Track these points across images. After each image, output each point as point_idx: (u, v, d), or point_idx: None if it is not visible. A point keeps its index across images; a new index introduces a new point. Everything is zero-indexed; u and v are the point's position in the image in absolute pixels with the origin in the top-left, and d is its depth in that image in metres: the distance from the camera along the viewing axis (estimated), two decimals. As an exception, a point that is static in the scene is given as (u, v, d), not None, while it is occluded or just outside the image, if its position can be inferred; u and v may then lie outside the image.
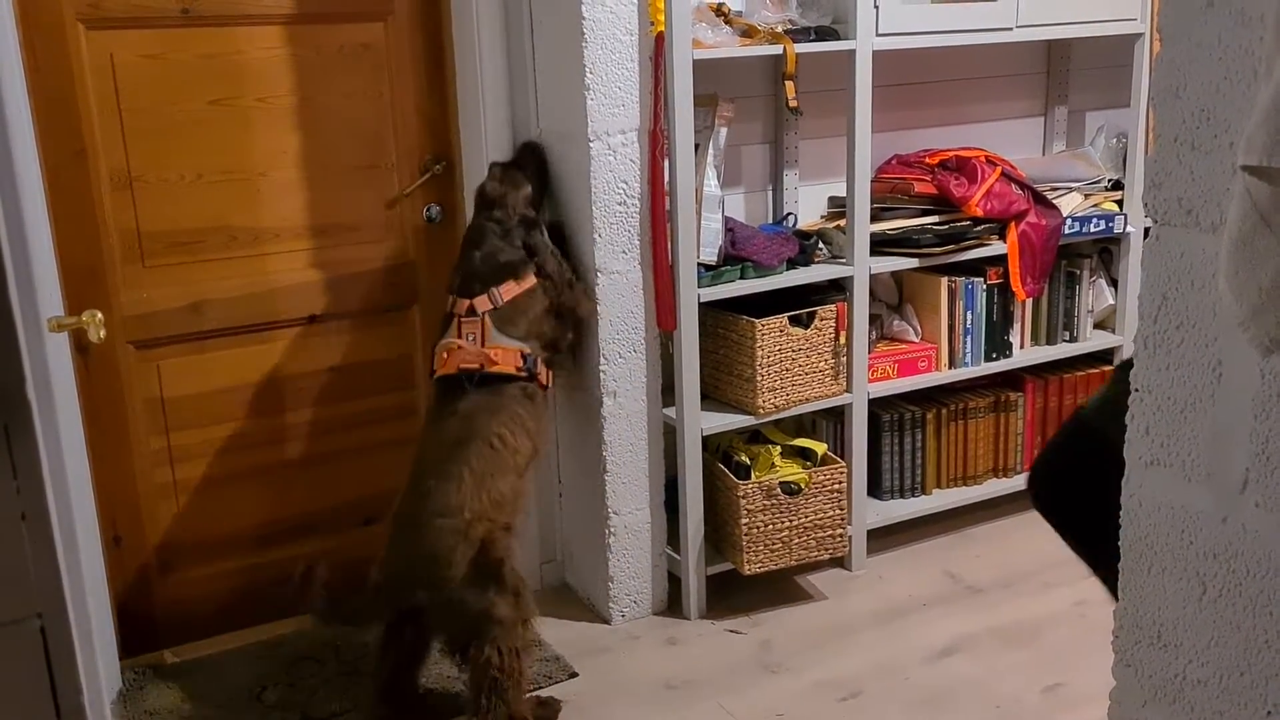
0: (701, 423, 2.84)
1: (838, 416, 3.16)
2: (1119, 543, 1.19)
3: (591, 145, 2.59)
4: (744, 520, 2.82)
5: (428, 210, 2.96)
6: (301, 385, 2.91)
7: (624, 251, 2.70)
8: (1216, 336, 1.04)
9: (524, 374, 2.46)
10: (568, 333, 2.66)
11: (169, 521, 2.82)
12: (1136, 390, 1.14)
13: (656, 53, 2.59)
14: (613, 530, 2.85)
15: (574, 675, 2.67)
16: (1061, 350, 3.41)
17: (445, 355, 2.48)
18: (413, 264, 2.98)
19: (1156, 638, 1.16)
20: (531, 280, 2.54)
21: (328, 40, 2.76)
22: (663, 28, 2.56)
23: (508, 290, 2.50)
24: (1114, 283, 3.48)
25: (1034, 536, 2.70)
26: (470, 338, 2.46)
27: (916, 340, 3.27)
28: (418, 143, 2.92)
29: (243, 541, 2.91)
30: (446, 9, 2.83)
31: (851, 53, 2.83)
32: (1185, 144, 1.05)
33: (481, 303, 2.49)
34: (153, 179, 2.64)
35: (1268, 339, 0.94)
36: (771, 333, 2.85)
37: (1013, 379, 3.40)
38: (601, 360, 2.73)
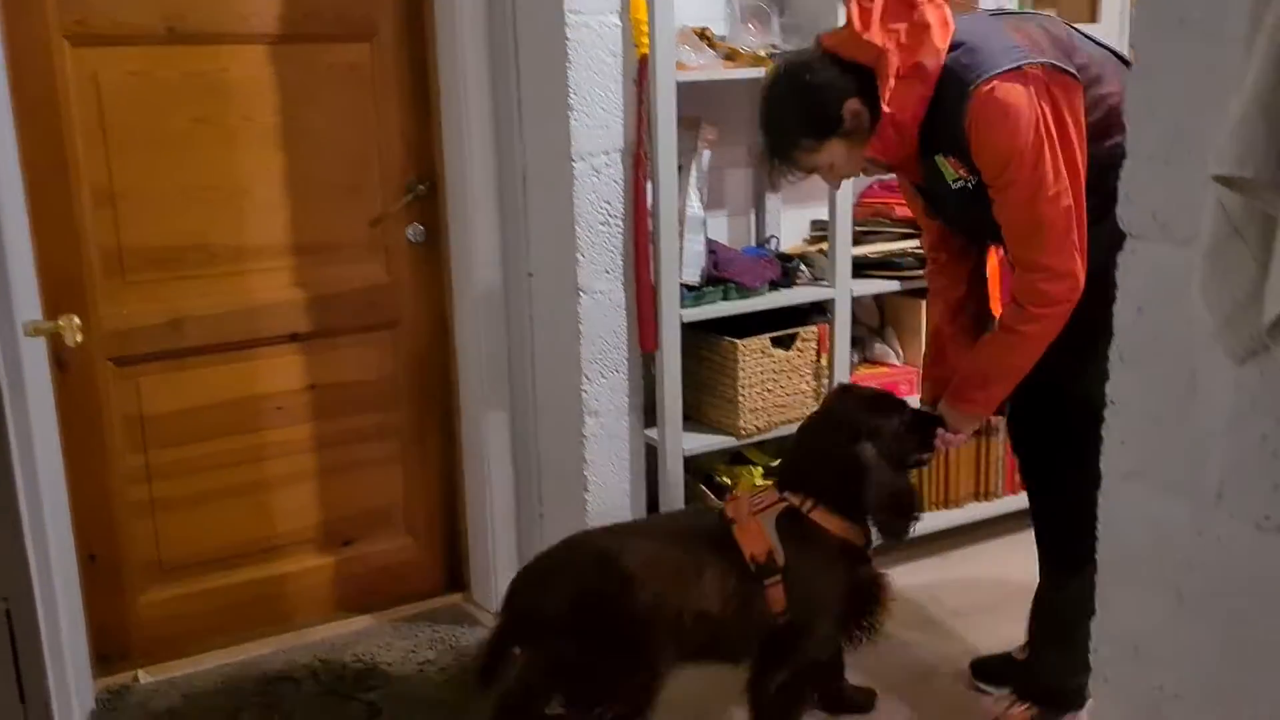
0: (683, 443, 2.84)
1: (819, 439, 3.16)
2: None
3: (575, 165, 2.60)
4: (725, 541, 2.81)
5: (411, 231, 2.96)
6: (281, 404, 2.89)
7: (606, 271, 2.70)
8: (1191, 348, 1.05)
9: None
10: None
11: (145, 539, 2.79)
12: (1112, 403, 1.15)
13: (640, 75, 2.61)
14: (593, 551, 2.83)
15: (553, 697, 2.65)
16: (1041, 374, 3.42)
17: None
18: (395, 285, 2.98)
19: (1134, 652, 1.16)
20: None
21: (313, 60, 2.77)
22: (646, 50, 2.58)
23: None
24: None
25: (1016, 560, 2.71)
26: None
27: (898, 364, 3.28)
28: (401, 163, 2.92)
29: (219, 561, 2.88)
30: (431, 30, 2.85)
31: (833, 77, 2.85)
32: (1159, 159, 1.06)
33: None
34: (135, 195, 2.63)
35: (1241, 349, 0.96)
36: (753, 354, 2.86)
37: (993, 403, 3.41)
38: (583, 380, 2.73)
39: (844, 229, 2.96)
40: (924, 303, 3.20)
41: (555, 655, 2.22)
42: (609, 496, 2.83)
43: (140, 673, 2.79)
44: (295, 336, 2.88)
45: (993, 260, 3.22)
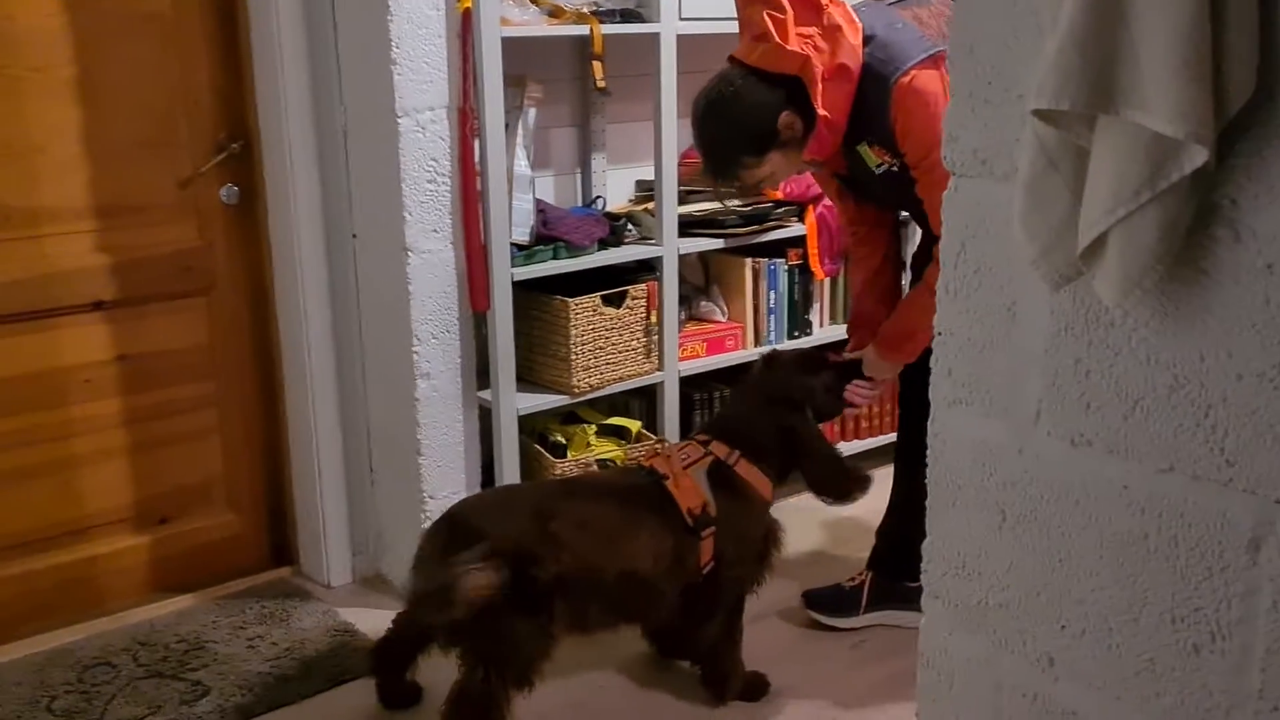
0: (517, 403, 2.83)
1: (649, 396, 3.21)
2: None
3: (400, 122, 2.54)
4: (561, 500, 2.83)
5: (224, 192, 2.83)
6: (87, 376, 2.73)
7: (435, 231, 2.66)
8: (1011, 279, 1.12)
9: None
10: None
11: (-61, 526, 2.59)
12: (940, 334, 1.21)
13: (464, 29, 2.56)
14: (429, 515, 2.80)
15: (392, 664, 2.61)
16: (858, 328, 3.57)
17: None
18: (208, 248, 2.84)
19: (961, 568, 1.23)
20: None
21: (109, 8, 2.60)
22: (469, 3, 2.54)
23: None
24: (904, 264, 3.66)
25: (841, 512, 2.82)
26: None
27: (723, 320, 3.36)
28: (212, 120, 2.78)
29: (24, 545, 2.70)
30: (241, -21, 2.72)
31: (656, 36, 2.88)
32: (979, 98, 1.12)
33: None
34: (-89, 153, 2.43)
35: (1057, 275, 1.02)
36: (585, 312, 2.87)
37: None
38: (414, 342, 2.68)
39: (670, 189, 3.01)
40: (749, 260, 3.29)
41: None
42: (443, 459, 2.79)
43: (-62, 668, 2.60)
44: (100, 305, 2.72)
45: (810, 218, 3.34)
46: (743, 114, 2.26)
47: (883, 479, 2.72)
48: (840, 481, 2.45)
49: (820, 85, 2.20)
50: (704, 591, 2.33)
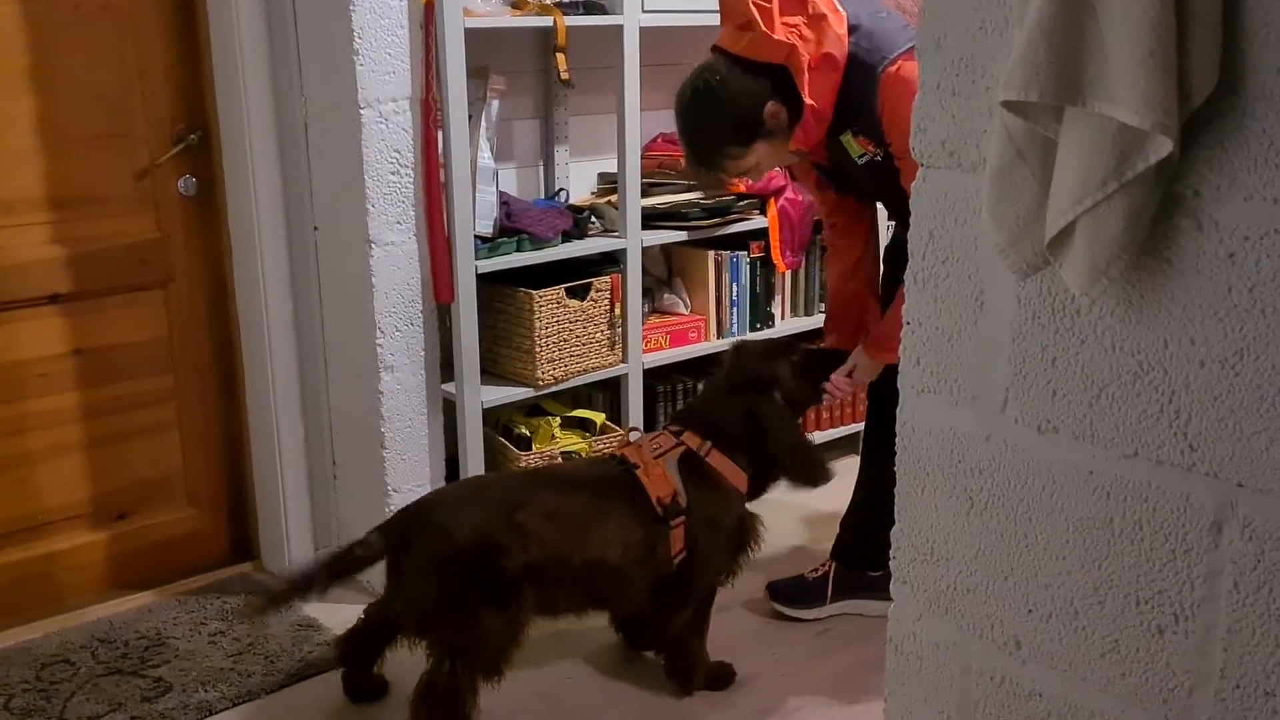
0: (481, 396, 2.82)
1: (613, 388, 3.22)
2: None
3: (362, 113, 2.52)
4: (526, 492, 2.82)
5: (182, 183, 2.79)
6: (43, 371, 2.68)
7: (398, 223, 2.64)
8: (978, 268, 1.13)
9: None
10: None
11: (-111, 524, 2.54)
12: (908, 323, 1.23)
13: (427, 19, 2.55)
14: (393, 508, 2.77)
15: (357, 658, 2.60)
16: (819, 320, 3.58)
17: None
18: (166, 240, 2.81)
19: (930, 554, 1.25)
20: None
21: (62, -3, 2.56)
22: (432, -6, 2.52)
23: None
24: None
25: (807, 497, 2.84)
26: None
27: (686, 312, 3.37)
28: (169, 111, 2.75)
29: (-21, 542, 2.66)
30: (198, -32, 2.68)
31: (620, 28, 2.88)
32: (946, 91, 1.13)
33: None
34: None
35: (1025, 264, 1.04)
36: (549, 304, 2.87)
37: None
38: (378, 334, 2.66)
39: (633, 181, 3.01)
40: (711, 253, 3.30)
41: (428, 595, 2.17)
42: (407, 452, 2.78)
43: (-110, 669, 2.55)
44: (56, 298, 2.67)
45: (772, 210, 3.36)
46: (728, 103, 2.24)
47: (847, 470, 2.75)
48: (806, 466, 2.45)
49: (806, 74, 2.20)
50: (675, 581, 2.34)
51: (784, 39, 2.19)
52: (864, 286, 2.66)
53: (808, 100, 2.21)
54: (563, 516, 2.22)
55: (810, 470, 2.45)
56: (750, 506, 2.47)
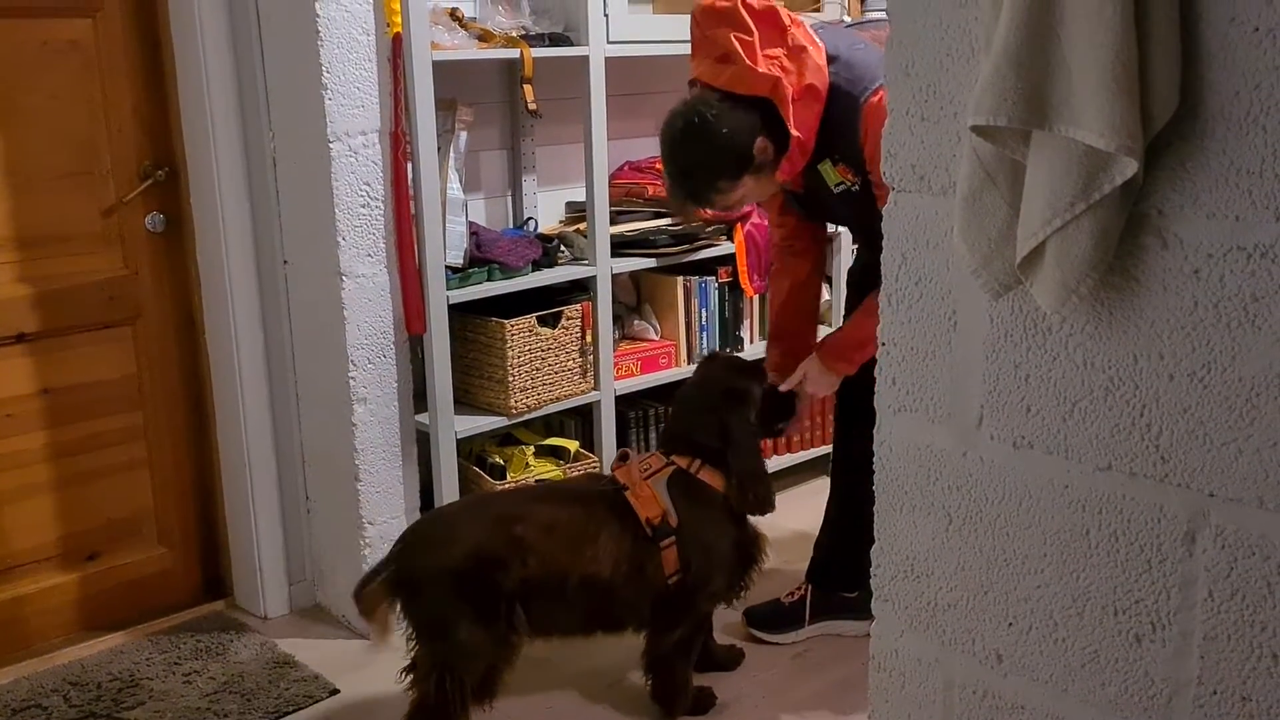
0: (455, 426, 2.82)
1: (586, 415, 3.23)
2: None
3: (331, 146, 2.53)
4: (501, 522, 2.82)
5: (150, 220, 2.78)
6: (10, 411, 2.65)
7: (369, 255, 2.64)
8: (951, 289, 1.16)
9: None
10: None
11: None
12: (883, 344, 1.25)
13: (395, 53, 2.56)
14: (368, 541, 2.77)
15: (335, 692, 2.58)
16: (789, 343, 3.62)
17: None
18: (134, 277, 2.79)
19: (910, 571, 1.27)
20: None
21: (27, 36, 2.55)
22: (399, 29, 2.54)
23: None
24: (828, 280, 3.74)
25: (788, 512, 2.85)
26: None
27: (656, 339, 3.39)
28: (136, 148, 2.74)
29: (-54, 587, 2.62)
30: (163, 4, 2.68)
31: (585, 59, 2.91)
32: (916, 116, 1.16)
33: None
34: None
35: (996, 284, 1.07)
36: (521, 333, 2.88)
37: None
38: (350, 367, 2.66)
39: (602, 209, 3.03)
40: (680, 279, 3.33)
41: (427, 611, 2.19)
42: (382, 484, 2.77)
43: None
44: (22, 337, 2.65)
45: (739, 236, 3.39)
46: (721, 138, 2.23)
47: (818, 491, 2.77)
48: (755, 494, 2.40)
49: (791, 106, 2.21)
50: (671, 602, 2.34)
51: (768, 71, 2.20)
52: (809, 302, 2.71)
53: (795, 131, 2.22)
54: (561, 529, 2.23)
55: (759, 500, 2.41)
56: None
